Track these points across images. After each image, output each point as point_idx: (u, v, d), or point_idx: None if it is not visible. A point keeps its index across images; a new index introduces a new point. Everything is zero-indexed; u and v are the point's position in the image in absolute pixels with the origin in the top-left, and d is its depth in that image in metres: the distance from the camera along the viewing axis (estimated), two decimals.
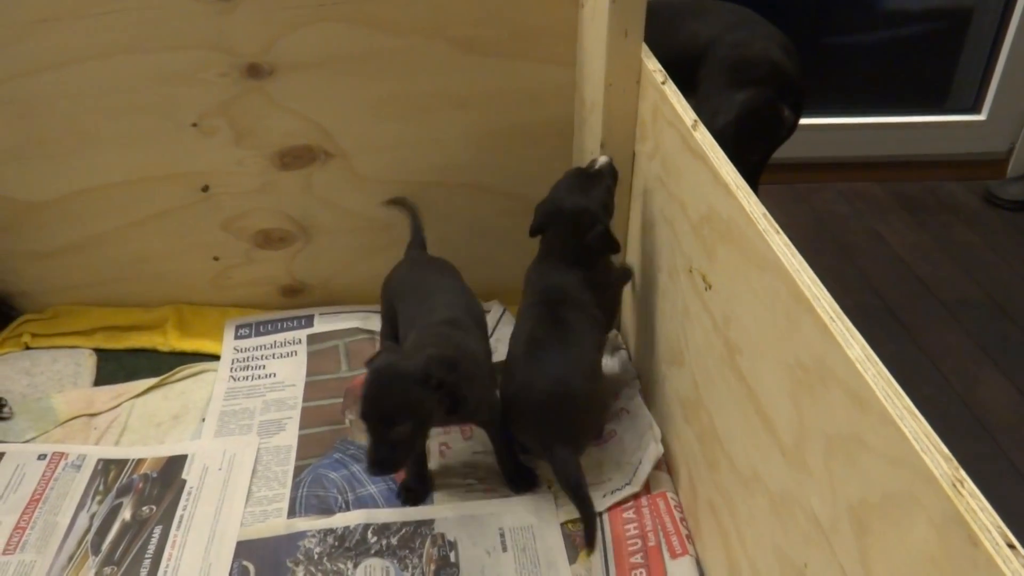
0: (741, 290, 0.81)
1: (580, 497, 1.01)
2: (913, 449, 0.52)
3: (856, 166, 2.49)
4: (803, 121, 1.66)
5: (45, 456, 1.13)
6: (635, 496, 1.06)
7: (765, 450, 0.76)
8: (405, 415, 0.88)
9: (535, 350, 1.05)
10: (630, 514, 1.04)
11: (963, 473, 0.50)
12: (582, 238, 1.08)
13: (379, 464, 0.89)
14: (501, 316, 1.36)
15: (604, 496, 1.07)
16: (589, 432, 1.10)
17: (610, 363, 1.27)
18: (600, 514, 1.05)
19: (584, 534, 1.01)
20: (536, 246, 1.14)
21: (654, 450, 1.08)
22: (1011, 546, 0.46)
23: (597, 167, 1.11)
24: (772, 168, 1.80)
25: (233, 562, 0.99)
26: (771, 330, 0.73)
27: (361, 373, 1.27)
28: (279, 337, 1.34)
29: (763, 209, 0.77)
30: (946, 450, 0.51)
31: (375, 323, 1.35)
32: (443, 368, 0.90)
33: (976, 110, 2.51)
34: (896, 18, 2.50)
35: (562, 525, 1.04)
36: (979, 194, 2.44)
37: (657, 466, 1.08)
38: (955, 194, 2.45)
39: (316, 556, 0.99)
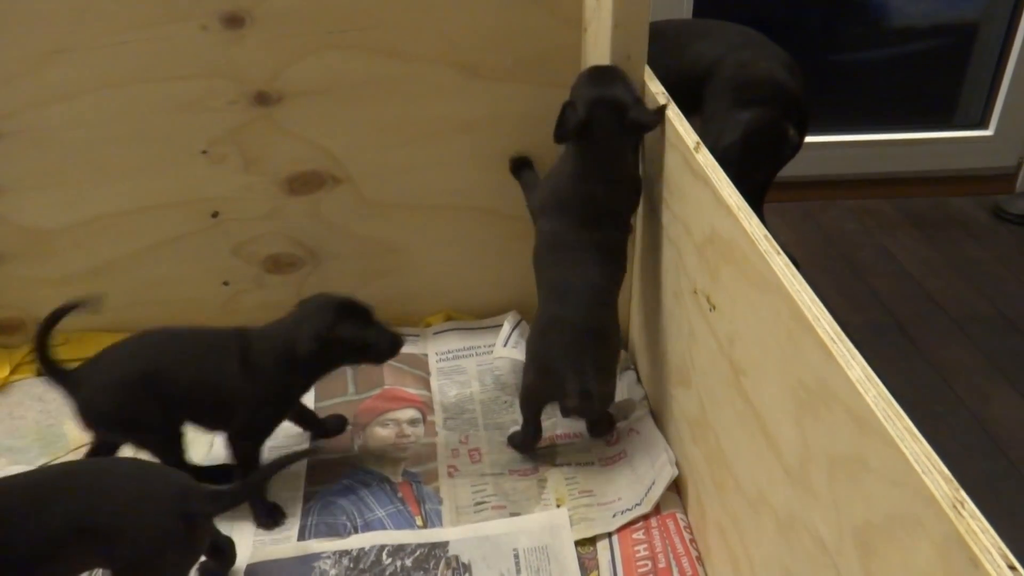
0: (744, 311, 0.81)
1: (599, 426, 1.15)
2: (913, 470, 0.52)
3: (864, 183, 2.49)
4: (811, 138, 1.66)
5: None
6: (644, 517, 1.06)
7: (770, 471, 0.76)
8: None
9: (559, 291, 1.09)
10: (640, 535, 1.04)
11: (963, 494, 0.50)
12: (625, 120, 1.05)
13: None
14: (517, 324, 1.36)
15: (614, 516, 1.07)
16: (607, 369, 1.12)
17: (619, 383, 1.27)
18: (610, 535, 1.05)
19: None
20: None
21: (668, 472, 1.08)
22: (1012, 568, 0.46)
23: (608, 64, 1.11)
24: (780, 186, 1.81)
25: None
26: (774, 351, 0.74)
27: (369, 395, 1.27)
28: None
29: (764, 230, 0.78)
30: (946, 471, 0.52)
31: None
32: None
33: (983, 125, 2.51)
34: (902, 35, 2.51)
35: (575, 546, 1.04)
36: (988, 209, 2.43)
37: (667, 487, 1.08)
38: (964, 209, 2.45)
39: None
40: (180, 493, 0.86)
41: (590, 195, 1.08)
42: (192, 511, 0.86)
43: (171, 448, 1.05)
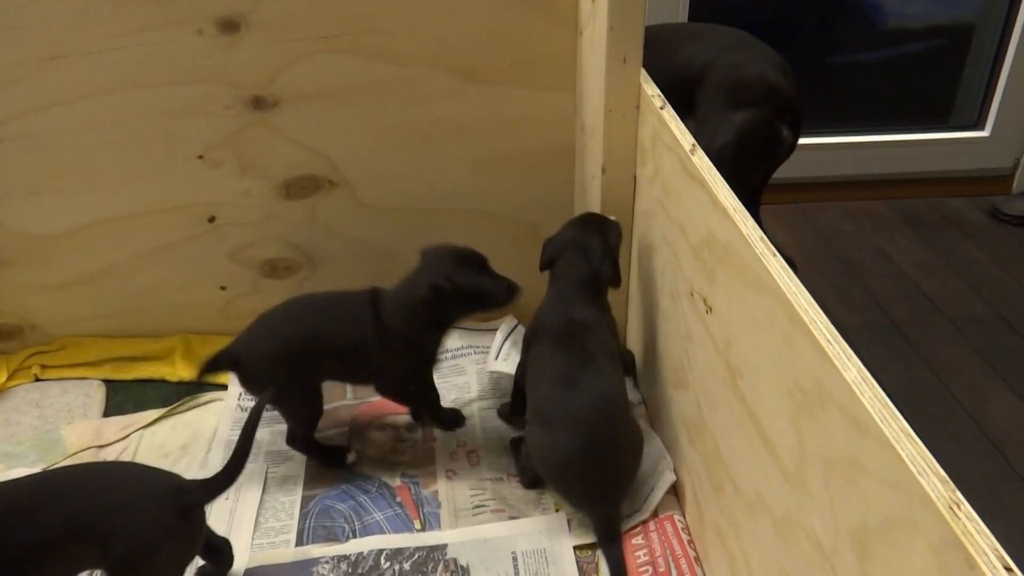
0: (740, 313, 0.81)
1: (615, 559, 1.00)
2: (910, 472, 0.52)
3: (861, 184, 2.49)
4: (807, 140, 1.66)
5: None
6: (643, 521, 1.06)
7: (767, 473, 0.76)
8: None
9: (570, 390, 1.02)
10: (639, 540, 1.04)
11: (960, 496, 0.50)
12: (593, 265, 1.09)
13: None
14: (512, 332, 1.36)
15: None
16: (632, 480, 1.07)
17: None
18: None
19: None
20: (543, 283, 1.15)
21: (667, 479, 1.08)
22: (1008, 569, 0.46)
23: (609, 217, 1.16)
24: (776, 187, 1.81)
25: None
26: (770, 353, 0.74)
27: (367, 400, 1.27)
28: None
29: (760, 232, 0.78)
30: (943, 473, 0.52)
31: None
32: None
33: (980, 126, 2.51)
34: (898, 36, 2.51)
35: (573, 549, 1.04)
36: (984, 210, 2.43)
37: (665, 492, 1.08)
38: (960, 210, 2.45)
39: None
40: (171, 487, 0.87)
41: (573, 320, 1.08)
42: (184, 503, 0.86)
43: (312, 405, 1.14)
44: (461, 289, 1.08)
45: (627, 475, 1.05)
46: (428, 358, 1.15)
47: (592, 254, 1.10)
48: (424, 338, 1.12)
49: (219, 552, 0.99)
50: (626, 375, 1.20)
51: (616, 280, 1.11)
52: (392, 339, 1.10)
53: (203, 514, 0.90)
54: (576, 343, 1.06)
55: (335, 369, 1.14)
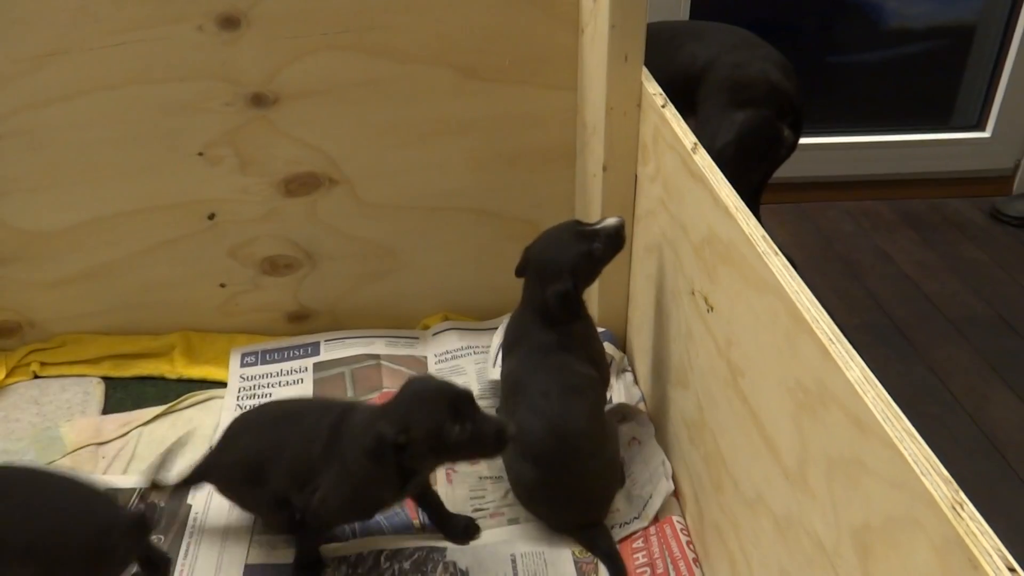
0: (742, 312, 0.81)
1: (615, 565, 0.99)
2: (913, 472, 0.52)
3: (861, 184, 2.49)
4: (808, 140, 1.66)
5: None
6: (642, 528, 1.06)
7: (769, 473, 0.76)
8: None
9: (527, 419, 1.00)
10: (639, 543, 1.04)
11: (963, 496, 0.50)
12: (543, 291, 1.03)
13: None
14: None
15: (613, 528, 1.06)
16: (608, 500, 1.07)
17: (616, 385, 1.27)
18: None
19: None
20: None
21: (665, 487, 1.08)
22: (1012, 570, 0.46)
23: (599, 227, 1.04)
24: (777, 187, 1.81)
25: None
26: (772, 352, 0.73)
27: (368, 398, 1.27)
28: (285, 366, 1.35)
29: (762, 231, 0.78)
30: (946, 472, 0.51)
31: (379, 348, 1.36)
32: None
33: (981, 127, 2.51)
34: (899, 36, 2.51)
35: (572, 552, 1.04)
36: (985, 211, 2.43)
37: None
38: (961, 211, 2.45)
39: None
40: (103, 516, 0.85)
41: (523, 342, 1.05)
42: (115, 536, 0.84)
43: (278, 515, 0.99)
44: (423, 445, 0.87)
45: (598, 499, 1.05)
46: (372, 506, 0.96)
47: (548, 280, 1.02)
48: (381, 482, 0.91)
49: (155, 566, 0.97)
50: (606, 382, 1.13)
51: (571, 312, 1.03)
52: (340, 468, 0.91)
53: (133, 543, 0.88)
54: (533, 367, 1.03)
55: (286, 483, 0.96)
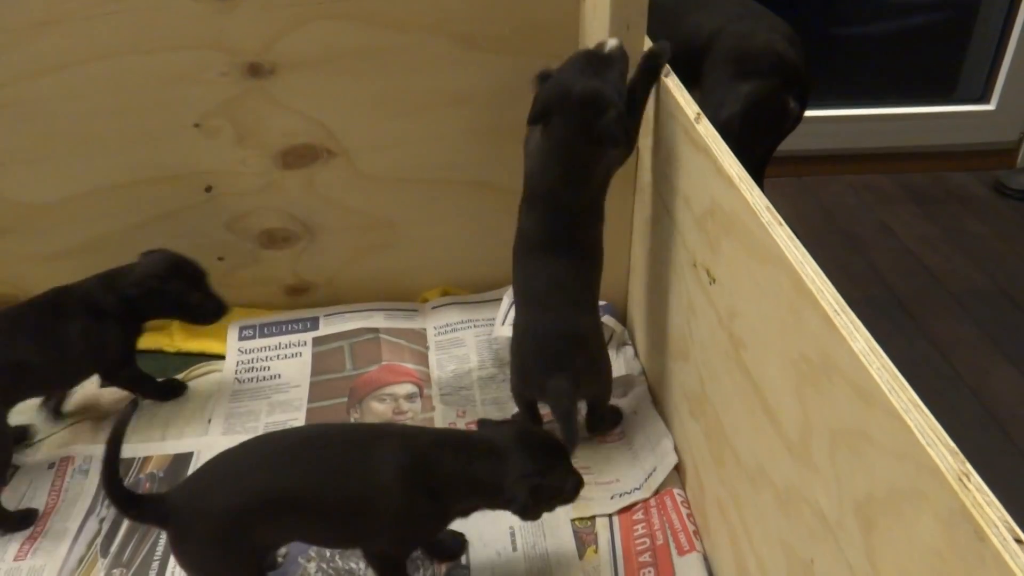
0: (745, 284, 0.80)
1: (568, 428, 0.99)
2: (918, 443, 0.51)
3: (864, 157, 2.47)
4: (811, 113, 1.65)
5: (53, 465, 1.13)
6: (643, 499, 1.06)
7: (770, 445, 0.76)
8: None
9: (530, 296, 1.05)
10: (639, 515, 1.04)
11: (969, 467, 0.49)
12: (592, 125, 0.93)
13: None
14: None
15: (612, 498, 1.06)
16: (590, 371, 1.07)
17: (616, 359, 1.26)
18: (610, 516, 1.05)
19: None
20: None
21: (671, 460, 1.08)
22: (1018, 540, 0.45)
23: (607, 50, 0.97)
24: (780, 160, 1.79)
25: None
26: (775, 324, 0.73)
27: (366, 371, 1.26)
28: (284, 339, 1.34)
29: (766, 201, 0.76)
30: (952, 444, 0.51)
31: (378, 321, 1.35)
32: None
33: (985, 100, 2.49)
34: (904, 8, 2.48)
35: (571, 522, 1.04)
36: (988, 184, 2.42)
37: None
38: (964, 185, 2.43)
39: (328, 553, 0.99)
40: None
41: (551, 193, 1.00)
42: None
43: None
44: (170, 295, 1.13)
45: (583, 360, 1.04)
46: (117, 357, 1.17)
47: (595, 111, 0.93)
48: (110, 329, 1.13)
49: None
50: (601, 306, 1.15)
51: (629, 138, 0.96)
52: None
53: None
54: (562, 223, 1.01)
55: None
